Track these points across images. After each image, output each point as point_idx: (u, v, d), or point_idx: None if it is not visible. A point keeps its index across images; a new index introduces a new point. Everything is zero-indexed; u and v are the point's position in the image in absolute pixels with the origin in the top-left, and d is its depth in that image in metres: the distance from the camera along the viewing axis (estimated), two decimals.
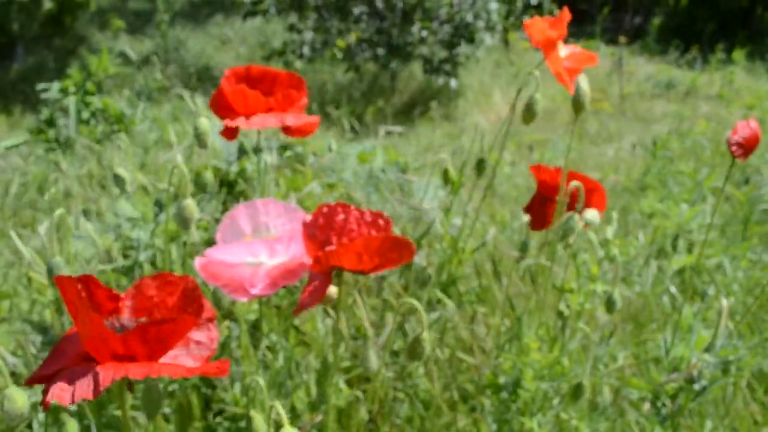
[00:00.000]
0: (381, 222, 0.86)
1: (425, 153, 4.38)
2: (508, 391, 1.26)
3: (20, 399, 0.77)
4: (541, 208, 1.37)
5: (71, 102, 3.54)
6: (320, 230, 0.86)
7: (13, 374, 1.37)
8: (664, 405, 1.13)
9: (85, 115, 3.57)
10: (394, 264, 0.82)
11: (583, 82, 1.16)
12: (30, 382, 0.70)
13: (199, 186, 1.34)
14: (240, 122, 1.08)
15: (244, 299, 0.88)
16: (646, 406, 1.19)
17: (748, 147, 1.10)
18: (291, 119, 1.08)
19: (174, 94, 5.06)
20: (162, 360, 0.70)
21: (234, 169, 1.94)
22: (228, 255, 0.91)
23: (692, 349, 1.12)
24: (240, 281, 0.88)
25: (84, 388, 0.63)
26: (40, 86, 4.03)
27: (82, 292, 0.66)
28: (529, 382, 1.17)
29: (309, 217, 0.87)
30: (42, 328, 1.57)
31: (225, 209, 1.84)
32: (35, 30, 7.25)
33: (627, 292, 1.86)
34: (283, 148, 2.23)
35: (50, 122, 3.51)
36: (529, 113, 1.25)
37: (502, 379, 1.27)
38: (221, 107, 1.12)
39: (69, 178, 2.89)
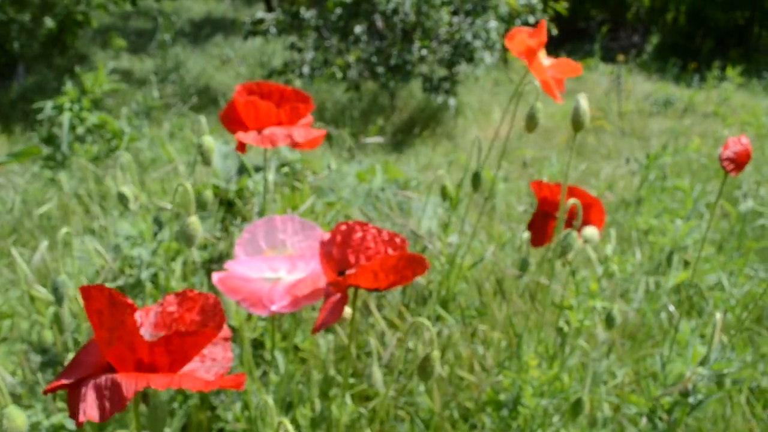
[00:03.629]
0: (397, 240, 0.88)
1: (425, 171, 4.40)
2: (508, 408, 1.26)
3: (19, 418, 0.78)
4: (541, 224, 1.38)
5: (65, 118, 3.54)
6: (337, 248, 0.88)
7: (12, 395, 1.37)
8: (660, 419, 1.13)
9: (81, 130, 3.58)
10: (408, 280, 0.84)
11: (583, 100, 1.17)
12: (48, 391, 0.71)
13: (199, 204, 1.36)
14: (252, 137, 1.10)
15: (263, 313, 0.89)
16: (643, 421, 1.19)
17: (739, 162, 1.12)
18: (299, 133, 1.11)
19: (173, 112, 5.08)
20: (180, 372, 0.72)
21: (232, 187, 1.95)
22: (247, 269, 0.93)
23: (688, 363, 1.13)
24: (259, 296, 0.90)
25: (110, 402, 0.65)
26: (36, 105, 4.06)
27: (113, 298, 0.67)
28: (529, 399, 1.18)
29: (327, 235, 0.88)
30: (42, 348, 1.57)
31: (224, 227, 1.86)
32: (36, 49, 7.29)
33: (626, 309, 1.87)
34: (282, 165, 2.24)
35: (48, 140, 3.52)
36: (532, 122, 1.26)
37: (502, 396, 1.27)
38: (232, 120, 1.15)
39: (67, 196, 2.90)
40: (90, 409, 0.64)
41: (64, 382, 0.69)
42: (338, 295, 0.87)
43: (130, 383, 0.64)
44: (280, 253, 1.01)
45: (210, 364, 0.75)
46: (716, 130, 5.60)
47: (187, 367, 0.73)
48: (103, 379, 0.66)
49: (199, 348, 0.71)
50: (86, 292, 0.68)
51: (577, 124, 1.14)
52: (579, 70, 1.34)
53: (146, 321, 0.76)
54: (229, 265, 0.94)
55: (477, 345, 1.52)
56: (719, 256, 2.28)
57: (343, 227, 0.88)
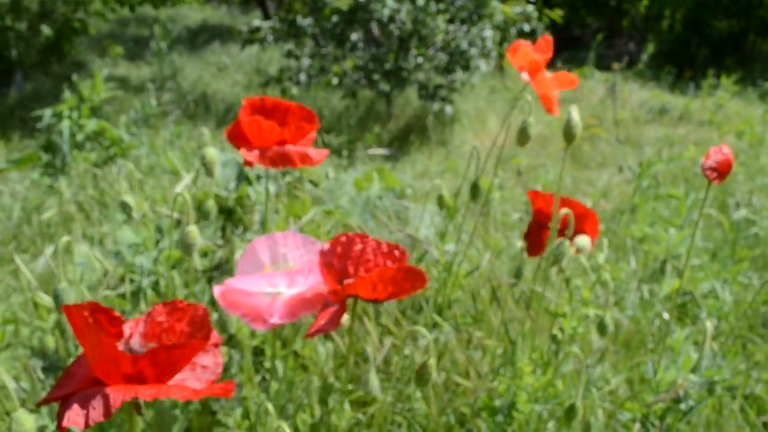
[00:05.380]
0: (397, 253, 0.89)
1: (421, 179, 4.43)
2: (503, 414, 1.28)
3: (27, 422, 0.80)
4: (537, 234, 1.40)
5: (65, 125, 3.57)
6: (338, 259, 0.89)
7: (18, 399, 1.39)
8: (653, 425, 1.16)
9: (80, 138, 3.60)
10: (408, 293, 0.85)
11: (575, 112, 1.19)
12: (42, 404, 0.73)
13: (201, 213, 1.38)
14: (255, 156, 1.12)
15: (263, 329, 0.90)
16: (637, 427, 1.21)
17: (721, 171, 1.14)
18: (300, 154, 1.13)
19: (171, 120, 5.10)
20: (169, 383, 0.73)
21: (233, 196, 1.97)
22: (247, 285, 0.94)
23: (679, 371, 1.15)
24: (259, 311, 0.90)
25: (96, 410, 0.66)
26: (35, 113, 4.08)
27: (90, 317, 0.69)
28: (523, 404, 1.20)
29: (327, 246, 0.89)
30: (43, 354, 1.59)
31: (224, 235, 1.88)
32: (33, 57, 7.31)
33: (620, 317, 1.89)
34: (283, 174, 2.26)
35: (47, 147, 3.54)
36: (523, 136, 1.29)
37: (497, 402, 1.30)
38: (237, 137, 1.16)
39: (68, 203, 2.92)
40: (74, 415, 0.66)
41: (58, 394, 0.71)
42: (337, 305, 0.88)
43: (117, 394, 0.66)
44: (281, 267, 1.02)
45: (200, 372, 0.75)
46: (711, 138, 5.64)
47: (178, 376, 0.74)
48: (91, 392, 0.67)
49: (187, 359, 0.72)
50: (68, 311, 0.69)
51: (569, 135, 1.17)
52: (575, 82, 1.36)
53: (136, 331, 0.77)
54: (229, 282, 0.96)
55: (473, 351, 1.54)
56: (713, 265, 2.31)
57: (344, 239, 0.90)
